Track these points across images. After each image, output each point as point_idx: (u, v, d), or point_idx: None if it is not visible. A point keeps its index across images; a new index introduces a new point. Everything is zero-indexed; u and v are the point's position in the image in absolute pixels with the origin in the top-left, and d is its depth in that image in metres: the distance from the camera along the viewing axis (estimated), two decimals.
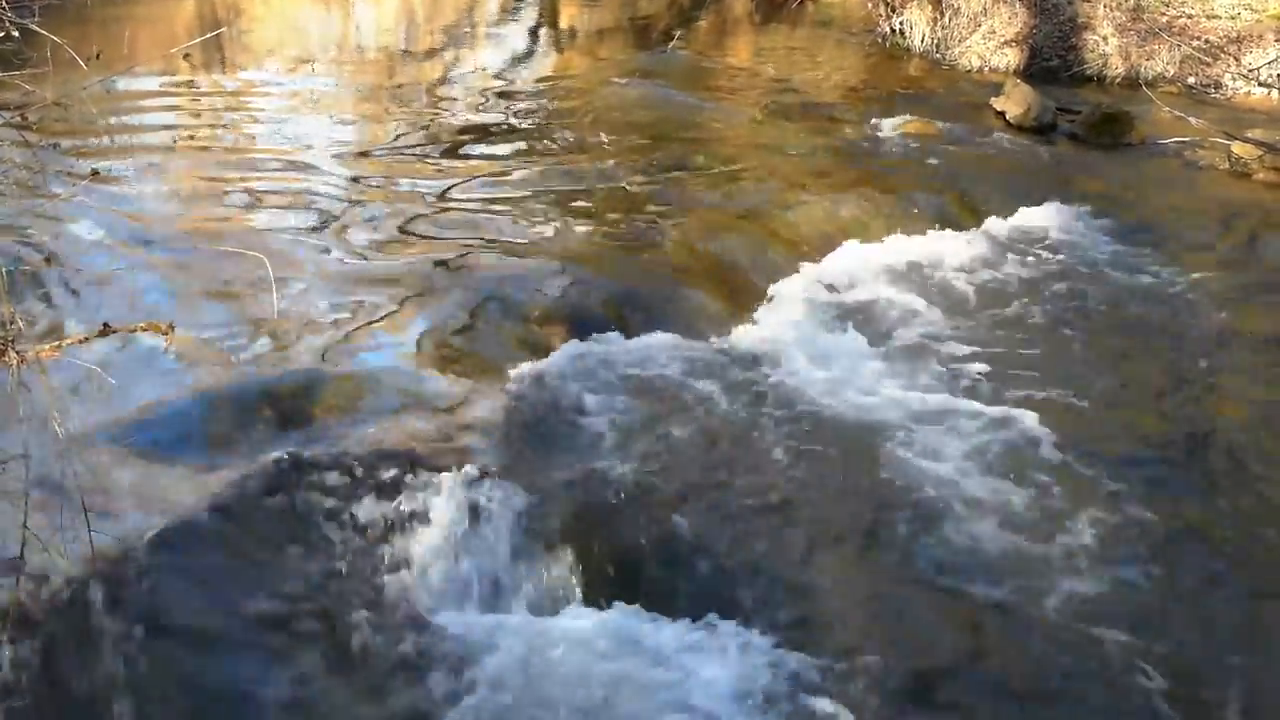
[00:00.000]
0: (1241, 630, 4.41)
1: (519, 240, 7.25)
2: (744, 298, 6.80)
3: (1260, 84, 11.85)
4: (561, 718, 3.85)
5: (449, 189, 8.27)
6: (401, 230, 7.38)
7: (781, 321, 6.55)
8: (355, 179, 8.40)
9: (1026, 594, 4.48)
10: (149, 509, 4.35)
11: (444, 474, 4.60)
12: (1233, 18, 12.47)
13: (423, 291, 6.35)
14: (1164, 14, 12.55)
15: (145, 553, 4.07)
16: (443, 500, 4.48)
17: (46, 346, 3.88)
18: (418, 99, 11.17)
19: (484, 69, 12.90)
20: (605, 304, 6.35)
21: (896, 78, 12.53)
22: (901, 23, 13.56)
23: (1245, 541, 4.90)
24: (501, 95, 11.38)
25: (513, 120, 10.36)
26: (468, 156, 9.22)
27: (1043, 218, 8.36)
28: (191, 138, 9.23)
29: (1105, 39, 12.44)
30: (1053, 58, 12.54)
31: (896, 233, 7.89)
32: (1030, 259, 7.67)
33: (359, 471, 4.57)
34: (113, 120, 9.28)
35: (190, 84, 11.15)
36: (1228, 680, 4.13)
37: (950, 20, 13.01)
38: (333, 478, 4.52)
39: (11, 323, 3.95)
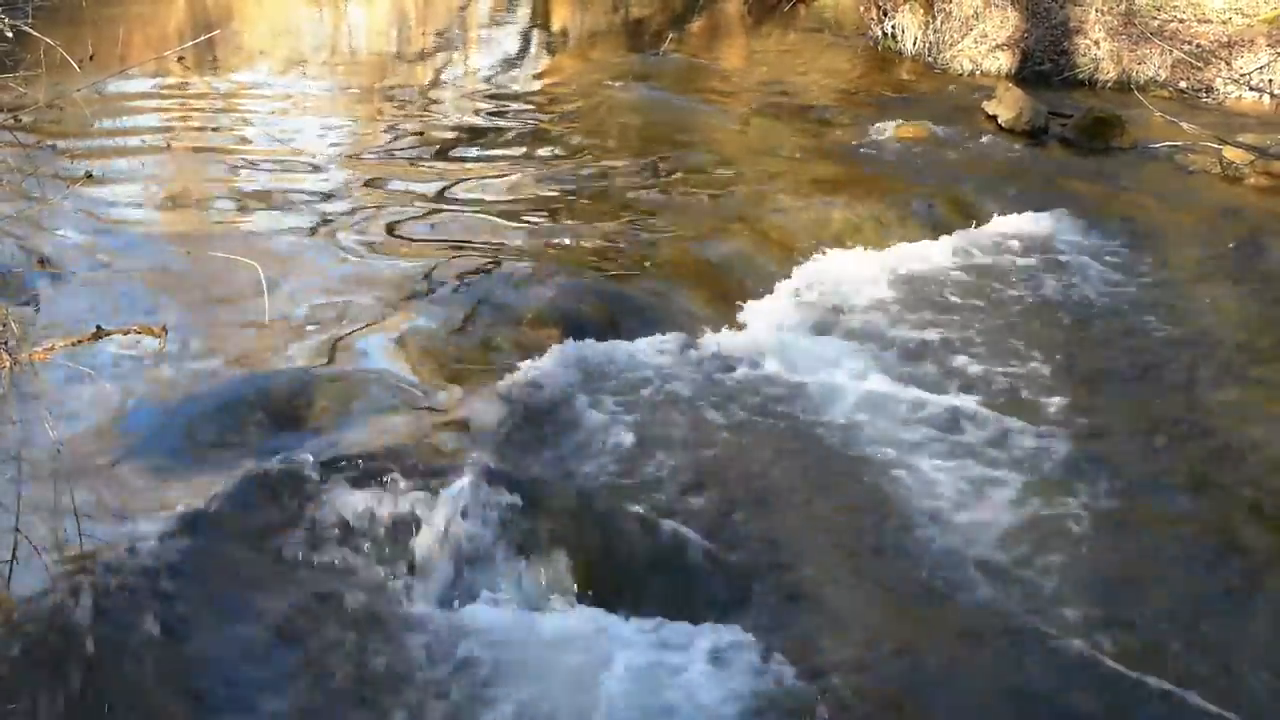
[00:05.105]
0: (1237, 632, 4.42)
1: (511, 243, 7.26)
2: (736, 300, 6.79)
3: (1251, 88, 11.87)
4: (555, 718, 3.85)
5: (441, 191, 8.28)
6: (394, 233, 7.38)
7: (773, 324, 6.56)
8: (348, 181, 8.41)
9: (1019, 597, 4.49)
10: (141, 512, 4.35)
11: (438, 475, 4.60)
12: (1224, 22, 12.48)
13: (415, 294, 6.35)
14: (1155, 18, 12.57)
15: (138, 556, 4.07)
16: (436, 502, 4.48)
17: (39, 349, 3.89)
18: (410, 102, 11.18)
19: (476, 72, 12.91)
20: (597, 306, 6.35)
21: (889, 81, 12.54)
22: (893, 26, 13.57)
23: (1239, 543, 4.91)
24: (494, 98, 11.39)
25: (505, 123, 10.37)
26: (460, 159, 9.23)
27: (1035, 221, 8.36)
28: (185, 140, 9.23)
29: (1097, 43, 12.46)
30: (1044, 62, 12.55)
31: (889, 236, 7.88)
32: (1022, 262, 7.68)
33: (352, 473, 4.56)
34: (106, 122, 9.28)
35: (183, 86, 11.15)
36: (1224, 684, 4.13)
37: (942, 24, 13.03)
38: (326, 480, 4.52)
39: (4, 325, 3.96)
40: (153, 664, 3.78)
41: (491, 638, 4.11)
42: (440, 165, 9.01)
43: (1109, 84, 12.29)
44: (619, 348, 5.97)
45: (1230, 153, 9.52)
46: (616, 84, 11.68)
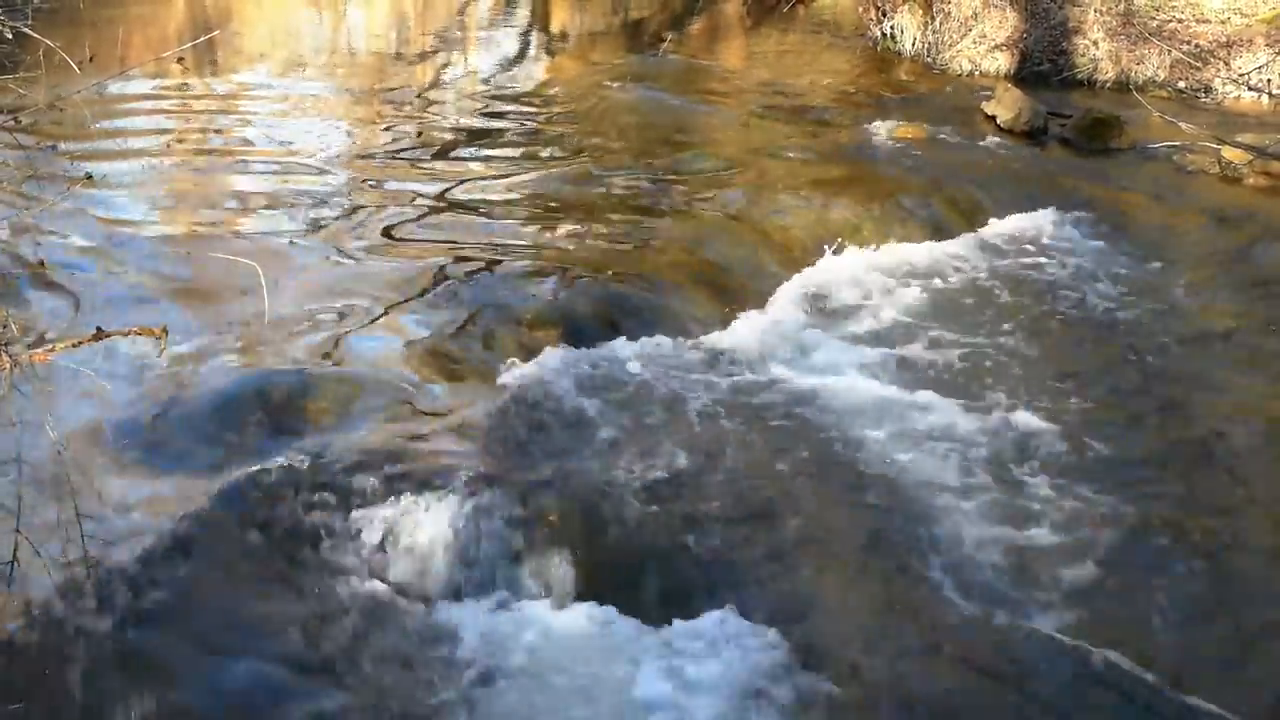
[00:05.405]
0: (1237, 635, 4.42)
1: (511, 244, 7.26)
2: (735, 301, 6.80)
3: (1250, 88, 11.87)
4: (556, 718, 3.86)
5: (441, 193, 8.29)
6: (394, 234, 7.39)
7: (773, 325, 6.56)
8: (347, 182, 8.41)
9: (1020, 600, 4.49)
10: (142, 513, 4.36)
11: (437, 477, 4.60)
12: (1223, 22, 12.48)
13: (415, 295, 6.36)
14: (1154, 18, 12.57)
15: (138, 556, 4.08)
16: (437, 503, 4.49)
17: (40, 351, 3.90)
18: (410, 103, 11.18)
19: (475, 73, 12.92)
20: (597, 307, 6.35)
21: (888, 81, 12.54)
22: (893, 27, 13.58)
23: (1239, 546, 4.91)
24: (493, 99, 11.40)
25: (504, 124, 10.37)
26: (459, 160, 9.23)
27: (1034, 222, 8.37)
28: (184, 141, 9.24)
29: (1096, 43, 12.46)
30: (1043, 62, 12.56)
31: (888, 237, 7.89)
32: (1021, 263, 7.69)
33: (353, 474, 4.57)
34: (106, 124, 9.28)
35: (183, 87, 11.16)
36: (1226, 689, 4.13)
37: (941, 24, 13.03)
38: (326, 481, 4.53)
39: (5, 327, 3.97)
40: (153, 665, 3.79)
41: (492, 638, 4.12)
42: (440, 166, 9.01)
43: (1108, 84, 12.29)
44: (619, 349, 5.97)
45: (1229, 153, 9.52)
46: (615, 85, 11.69)
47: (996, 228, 8.26)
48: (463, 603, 4.29)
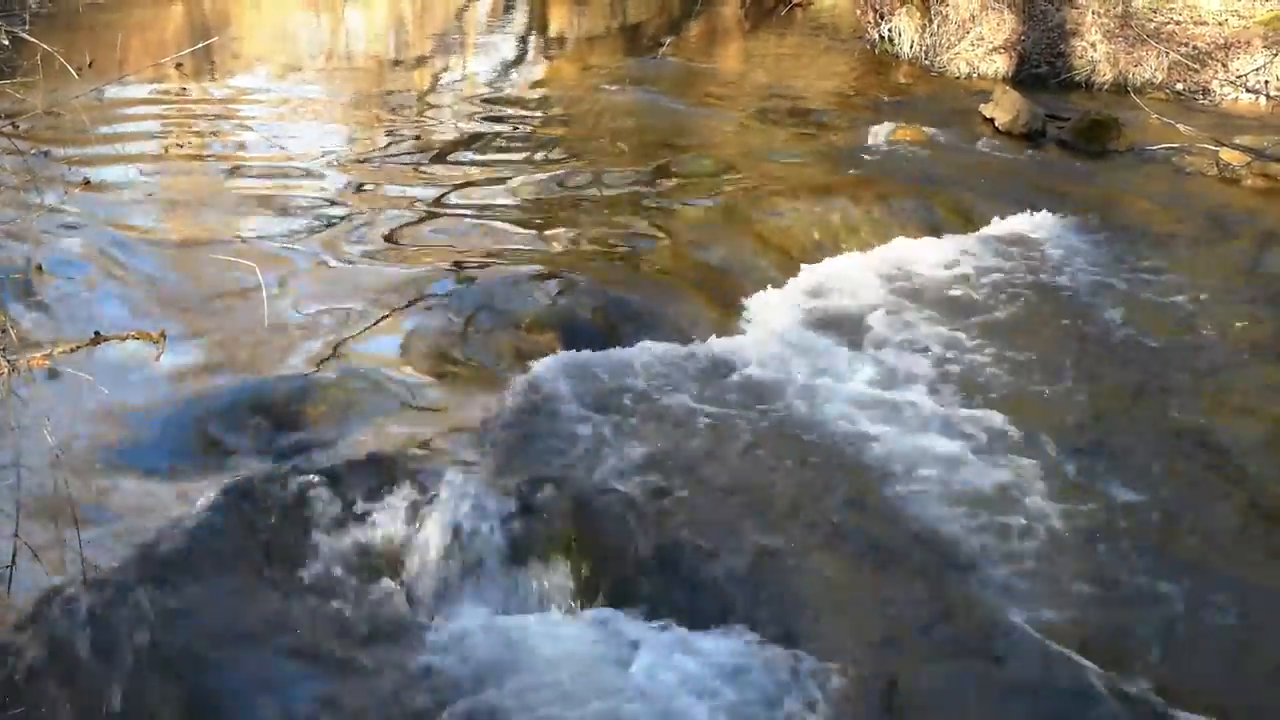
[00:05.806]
0: (1238, 637, 4.42)
1: (509, 248, 7.26)
2: (734, 304, 6.80)
3: (1248, 90, 11.88)
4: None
5: (439, 197, 8.28)
6: (392, 238, 7.38)
7: (771, 328, 6.56)
8: (346, 187, 8.41)
9: (1021, 603, 4.49)
10: (140, 517, 4.36)
11: (436, 480, 4.61)
12: (1220, 24, 12.51)
13: (414, 299, 6.36)
14: (1152, 20, 12.59)
15: (136, 560, 4.08)
16: (435, 506, 4.49)
17: (37, 355, 3.89)
18: (408, 107, 11.18)
19: (474, 76, 12.92)
20: (595, 311, 6.35)
21: (886, 84, 12.56)
22: (890, 29, 13.59)
23: (1239, 546, 4.91)
24: (491, 102, 11.39)
25: (502, 128, 10.37)
26: (458, 164, 9.23)
27: (1032, 224, 8.38)
28: (182, 146, 9.23)
29: (1094, 45, 12.47)
30: (1041, 64, 12.57)
31: (886, 239, 7.90)
32: (1020, 265, 7.69)
33: (352, 478, 4.57)
34: (104, 128, 9.28)
35: (181, 92, 11.15)
36: (1222, 690, 4.13)
37: (939, 27, 13.04)
38: (325, 484, 4.53)
39: (3, 331, 3.97)
40: (150, 667, 3.78)
41: (489, 639, 4.12)
42: (438, 170, 9.01)
43: (1106, 86, 12.30)
44: (617, 352, 5.98)
45: (1227, 154, 9.53)
46: (614, 88, 11.71)
47: (994, 230, 8.27)
48: (461, 606, 4.29)
